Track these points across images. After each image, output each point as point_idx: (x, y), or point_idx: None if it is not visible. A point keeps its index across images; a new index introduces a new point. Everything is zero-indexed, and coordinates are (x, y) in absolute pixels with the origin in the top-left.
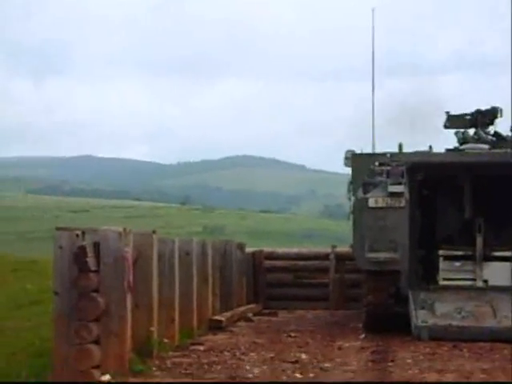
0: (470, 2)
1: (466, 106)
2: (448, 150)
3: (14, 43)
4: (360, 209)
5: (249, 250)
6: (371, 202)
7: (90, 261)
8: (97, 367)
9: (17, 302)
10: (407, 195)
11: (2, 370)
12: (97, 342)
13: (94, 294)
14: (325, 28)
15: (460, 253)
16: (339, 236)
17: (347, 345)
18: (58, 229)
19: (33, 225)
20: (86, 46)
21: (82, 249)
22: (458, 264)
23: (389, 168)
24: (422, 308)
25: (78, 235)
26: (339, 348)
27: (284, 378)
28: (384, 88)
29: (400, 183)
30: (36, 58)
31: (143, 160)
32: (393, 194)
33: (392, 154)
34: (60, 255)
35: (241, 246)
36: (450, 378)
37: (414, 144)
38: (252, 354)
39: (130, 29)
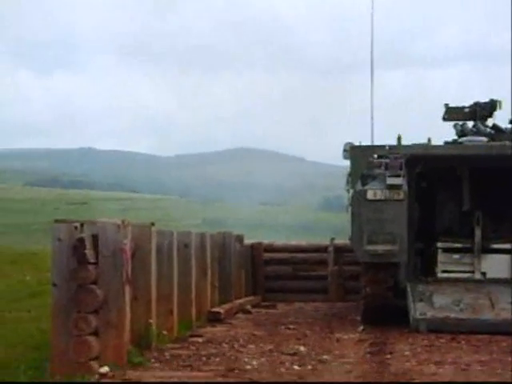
0: None
1: (465, 99)
2: (446, 143)
3: (19, 39)
4: (358, 201)
5: (247, 242)
6: (370, 195)
7: (89, 253)
8: (95, 359)
9: (16, 294)
10: (406, 188)
11: (0, 362)
12: (95, 333)
13: (93, 286)
14: (327, 20)
15: (458, 245)
16: (338, 228)
17: (345, 337)
18: (56, 221)
19: (32, 217)
20: (88, 40)
21: (81, 241)
22: (456, 256)
23: (387, 160)
24: (421, 300)
25: (76, 227)
26: (337, 340)
27: (282, 370)
28: (384, 80)
29: (398, 175)
30: (40, 53)
31: (142, 152)
32: (391, 187)
33: (391, 147)
34: (58, 247)
35: (239, 239)
36: (447, 369)
37: (413, 136)
38: (251, 346)
39: (130, 23)
